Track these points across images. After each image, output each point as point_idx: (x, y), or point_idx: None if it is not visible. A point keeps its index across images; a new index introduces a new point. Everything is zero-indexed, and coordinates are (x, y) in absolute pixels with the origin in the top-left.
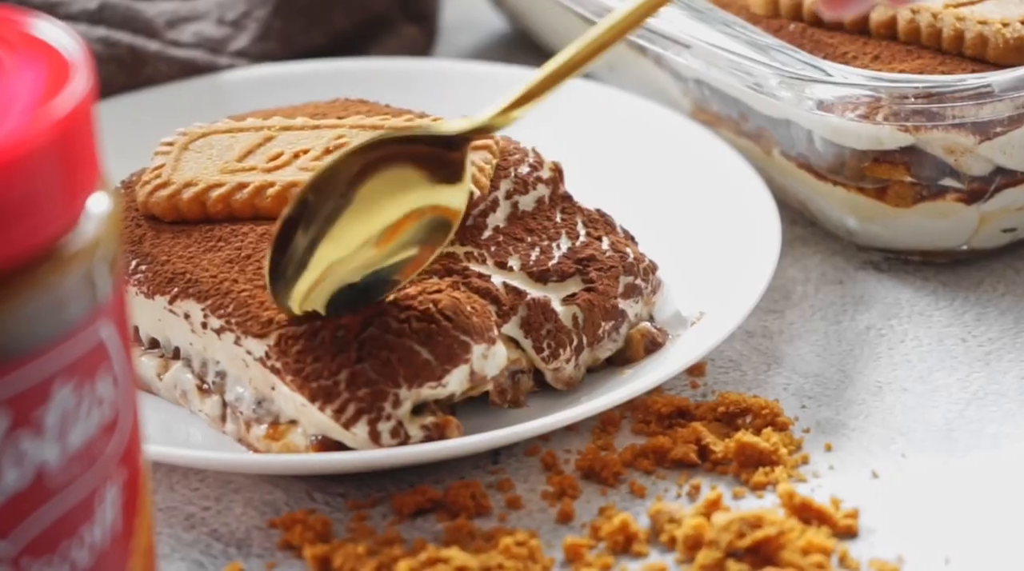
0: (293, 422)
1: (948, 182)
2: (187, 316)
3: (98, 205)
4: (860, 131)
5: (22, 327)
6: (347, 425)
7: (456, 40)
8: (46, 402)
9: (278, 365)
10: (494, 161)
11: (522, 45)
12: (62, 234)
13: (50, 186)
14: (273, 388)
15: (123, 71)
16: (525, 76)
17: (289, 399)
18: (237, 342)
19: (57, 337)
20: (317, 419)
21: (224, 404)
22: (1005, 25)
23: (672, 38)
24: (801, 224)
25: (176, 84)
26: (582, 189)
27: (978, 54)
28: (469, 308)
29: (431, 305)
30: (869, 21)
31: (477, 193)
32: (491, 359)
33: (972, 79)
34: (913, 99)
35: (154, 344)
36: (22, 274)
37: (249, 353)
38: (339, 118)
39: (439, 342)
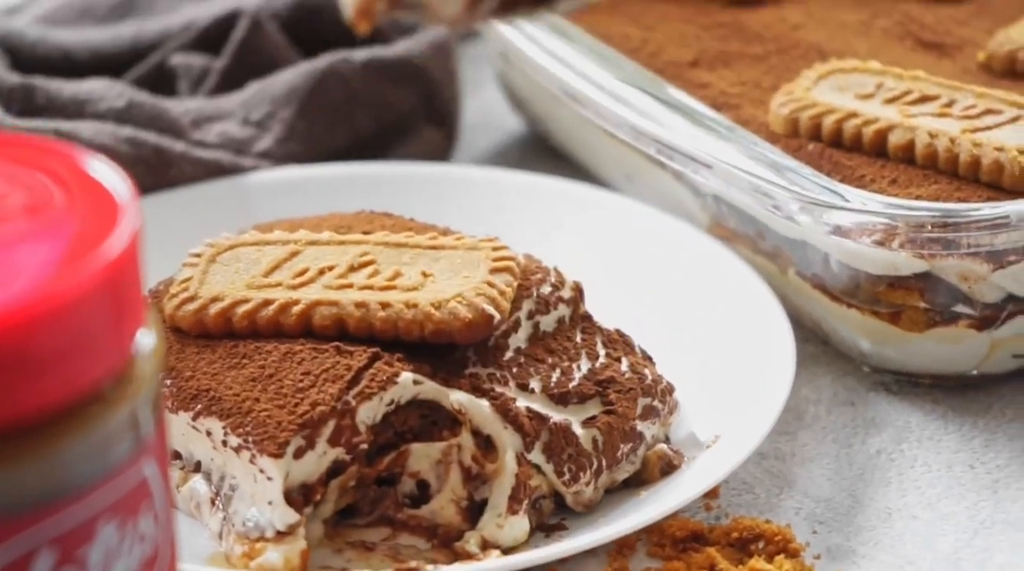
0: (282, 535)
1: (961, 309)
2: (209, 433)
3: (143, 342)
4: (876, 256)
5: (70, 468)
6: None
7: (475, 141)
8: (91, 540)
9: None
10: (515, 283)
11: (539, 148)
12: (110, 374)
13: (100, 329)
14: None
15: (149, 172)
16: (546, 185)
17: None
18: (252, 460)
19: (103, 477)
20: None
21: (224, 520)
22: (1021, 152)
23: (693, 157)
24: (814, 342)
25: (201, 186)
26: (599, 301)
27: (994, 181)
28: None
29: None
30: (887, 144)
31: (498, 317)
32: (507, 529)
33: (988, 209)
34: (930, 228)
35: (176, 455)
36: (71, 416)
37: (262, 471)
38: (364, 233)
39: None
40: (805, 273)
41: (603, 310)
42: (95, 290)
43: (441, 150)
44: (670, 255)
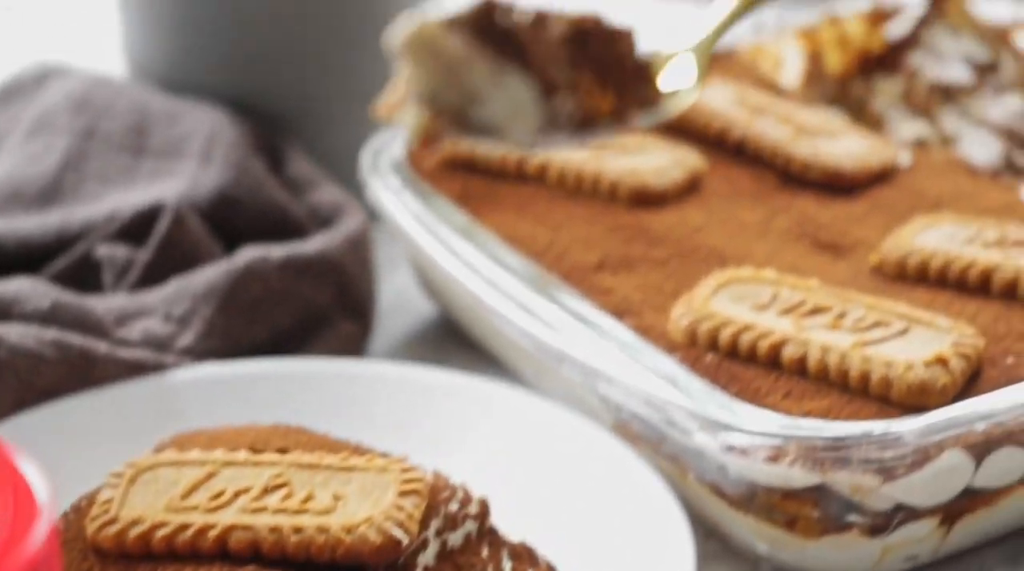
0: None
1: (853, 517)
2: None
3: None
4: (770, 471)
5: None
6: None
7: (391, 325)
8: None
9: None
10: (423, 504)
11: (453, 334)
12: None
13: None
14: None
15: (74, 374)
16: (455, 383)
17: None
18: None
19: None
20: None
21: None
22: (908, 369)
23: (594, 370)
24: (715, 538)
25: (124, 386)
26: (505, 503)
27: (883, 395)
28: None
29: None
30: (781, 357)
31: (407, 540)
32: None
33: (879, 429)
34: (820, 448)
35: None
36: None
37: None
38: (280, 450)
39: None
40: (703, 479)
41: (508, 512)
42: None
43: (356, 342)
44: (574, 456)
